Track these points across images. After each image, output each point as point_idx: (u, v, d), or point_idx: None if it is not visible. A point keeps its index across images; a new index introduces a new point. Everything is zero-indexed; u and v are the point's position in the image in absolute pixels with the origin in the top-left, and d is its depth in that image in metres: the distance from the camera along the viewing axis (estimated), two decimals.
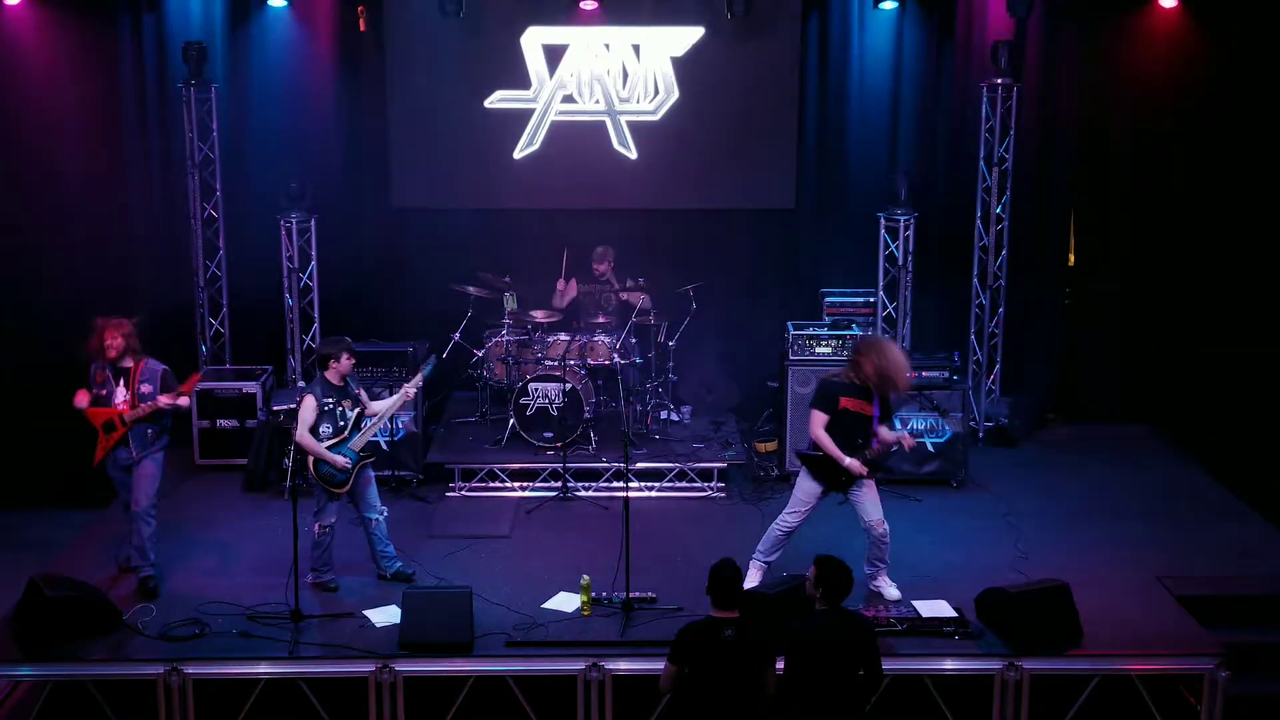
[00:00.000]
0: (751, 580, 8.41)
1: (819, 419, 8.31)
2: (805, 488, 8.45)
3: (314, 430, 8.52)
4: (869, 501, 8.41)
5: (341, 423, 8.60)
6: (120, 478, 8.68)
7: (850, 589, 6.70)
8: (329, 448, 8.53)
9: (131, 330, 8.54)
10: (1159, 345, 12.08)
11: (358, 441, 8.66)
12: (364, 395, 8.82)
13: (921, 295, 11.91)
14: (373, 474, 8.84)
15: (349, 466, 8.58)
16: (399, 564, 8.96)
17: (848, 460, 8.23)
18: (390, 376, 10.52)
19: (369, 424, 8.75)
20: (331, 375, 8.60)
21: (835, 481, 8.37)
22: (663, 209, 12.05)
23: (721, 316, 11.83)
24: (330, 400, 8.60)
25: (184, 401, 8.66)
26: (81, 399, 8.53)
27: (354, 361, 8.69)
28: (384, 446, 10.32)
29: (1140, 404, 12.15)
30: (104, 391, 8.52)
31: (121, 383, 8.52)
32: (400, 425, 10.52)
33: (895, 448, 8.46)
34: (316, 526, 8.66)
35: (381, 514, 8.84)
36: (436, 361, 9.55)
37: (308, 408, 8.52)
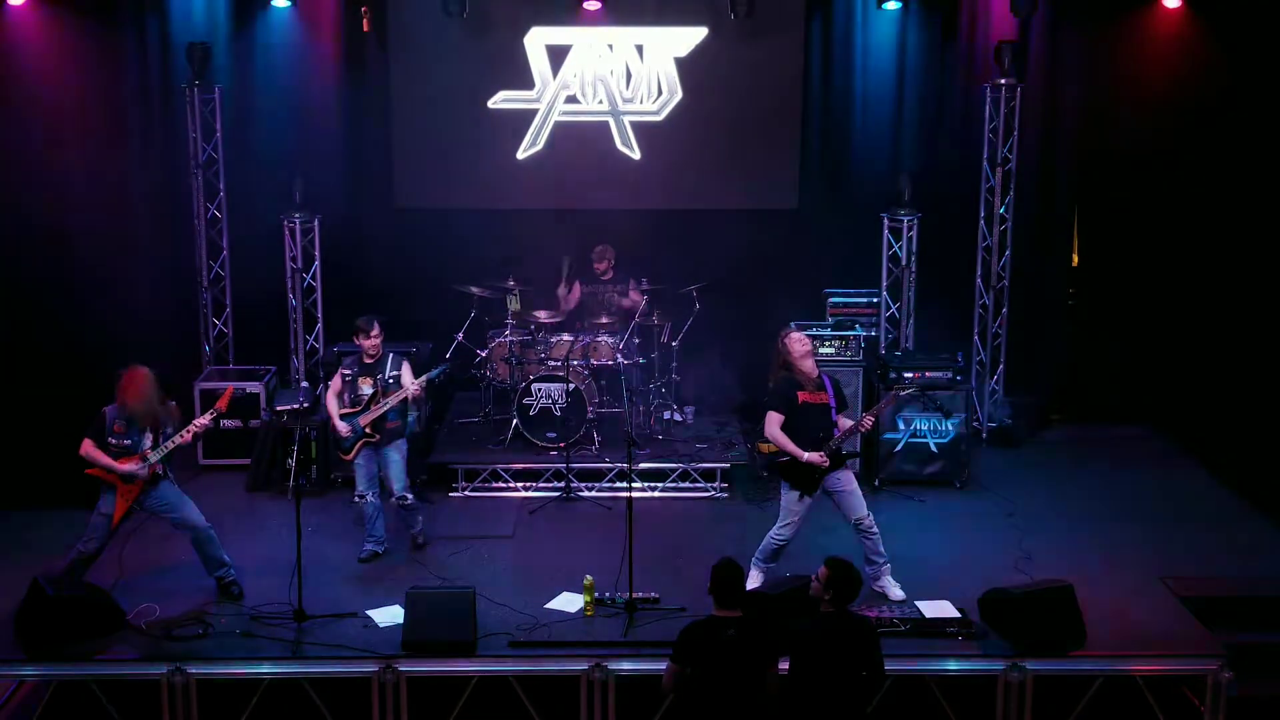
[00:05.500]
0: (753, 582, 8.41)
1: (774, 419, 8.39)
2: (788, 498, 8.51)
3: (341, 396, 9.23)
4: (852, 499, 8.45)
5: (354, 395, 9.15)
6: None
7: (858, 593, 6.73)
8: (342, 416, 9.11)
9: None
10: (1162, 346, 12.07)
11: (365, 418, 9.03)
12: (403, 379, 9.14)
13: (925, 295, 11.91)
14: (394, 459, 9.15)
15: (348, 434, 9.08)
16: (369, 547, 9.18)
17: (806, 455, 8.27)
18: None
19: (379, 406, 9.05)
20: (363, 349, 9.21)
21: (808, 482, 8.39)
22: (666, 209, 12.05)
23: (724, 317, 11.80)
24: (351, 373, 9.21)
25: (206, 422, 8.67)
26: (97, 453, 8.34)
27: (370, 341, 9.11)
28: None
29: (1143, 405, 12.13)
30: (127, 441, 8.38)
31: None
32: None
33: (855, 432, 8.46)
34: (355, 496, 9.28)
35: (399, 498, 9.14)
36: (446, 369, 9.67)
37: (337, 375, 9.29)
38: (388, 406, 9.05)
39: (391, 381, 9.13)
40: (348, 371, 9.24)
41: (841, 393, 8.62)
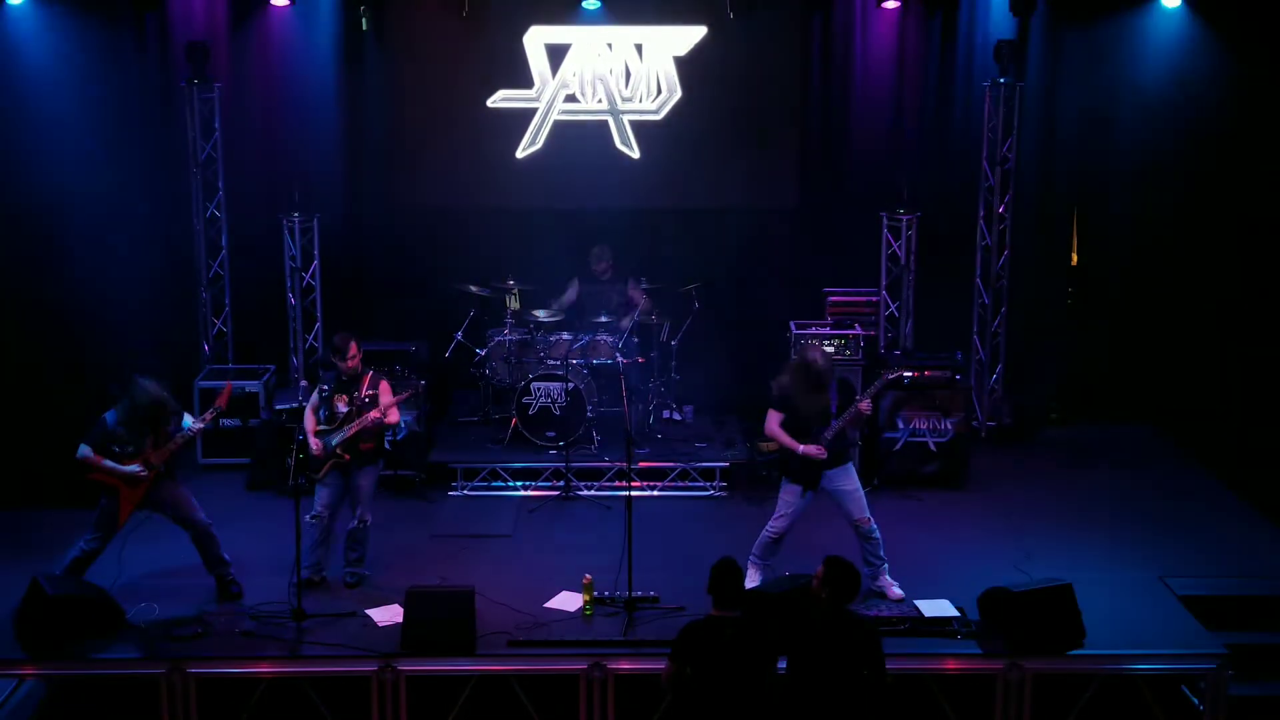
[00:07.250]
0: (751, 581, 8.40)
1: (774, 417, 8.41)
2: (786, 490, 8.52)
3: (318, 412, 8.82)
4: (853, 500, 8.46)
5: (329, 412, 8.79)
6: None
7: (858, 592, 6.72)
8: (318, 433, 8.75)
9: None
10: (1161, 345, 12.06)
11: (338, 437, 8.72)
12: (381, 398, 8.78)
13: (924, 294, 11.91)
14: (363, 485, 8.82)
15: (319, 452, 8.69)
16: (348, 570, 8.87)
17: (802, 448, 8.28)
18: (392, 376, 10.51)
19: (351, 426, 8.70)
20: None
21: (808, 476, 8.40)
22: (665, 208, 12.06)
23: (724, 316, 11.82)
24: (327, 388, 8.85)
25: (206, 421, 8.71)
26: (97, 458, 8.35)
27: (347, 364, 8.74)
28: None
29: (1142, 404, 12.12)
30: (130, 447, 8.38)
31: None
32: (403, 425, 10.49)
33: (853, 419, 8.44)
34: (309, 516, 8.67)
35: (359, 520, 8.83)
36: (408, 394, 9.21)
37: (316, 390, 8.89)
38: (356, 428, 8.68)
39: (367, 401, 8.73)
40: (325, 387, 8.86)
41: (850, 391, 8.57)
